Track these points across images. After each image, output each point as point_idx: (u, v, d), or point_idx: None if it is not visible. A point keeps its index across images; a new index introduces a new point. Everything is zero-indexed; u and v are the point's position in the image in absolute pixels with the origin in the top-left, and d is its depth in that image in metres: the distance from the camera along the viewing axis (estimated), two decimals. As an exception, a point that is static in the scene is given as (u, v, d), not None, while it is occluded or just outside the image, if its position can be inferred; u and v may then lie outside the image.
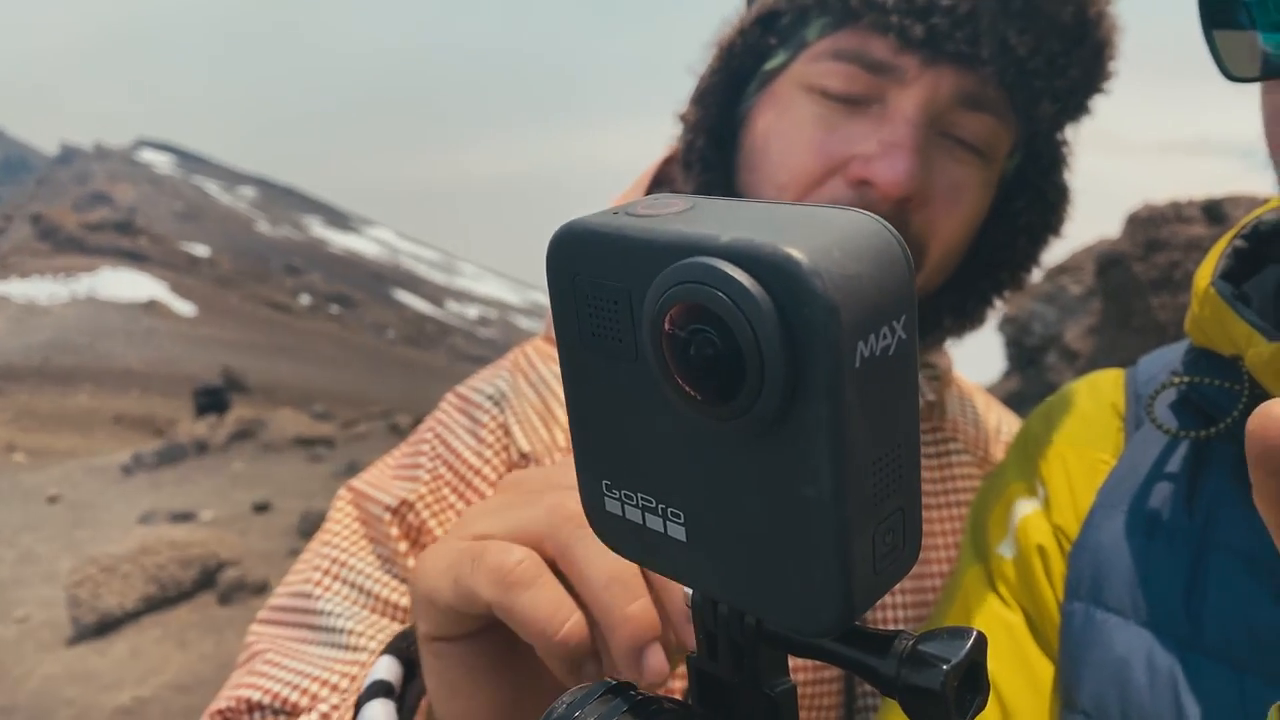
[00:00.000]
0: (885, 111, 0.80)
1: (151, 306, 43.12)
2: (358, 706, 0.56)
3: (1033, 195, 0.91)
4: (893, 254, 0.24)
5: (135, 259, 57.02)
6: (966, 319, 0.93)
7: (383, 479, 0.89)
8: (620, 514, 0.31)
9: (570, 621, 0.45)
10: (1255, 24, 0.60)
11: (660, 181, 0.97)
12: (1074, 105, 0.86)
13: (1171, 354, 0.80)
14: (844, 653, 0.28)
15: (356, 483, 0.90)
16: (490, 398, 0.91)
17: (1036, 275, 0.94)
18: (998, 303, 0.93)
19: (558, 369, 0.49)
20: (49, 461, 12.30)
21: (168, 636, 6.14)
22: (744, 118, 0.89)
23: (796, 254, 0.22)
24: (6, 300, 41.31)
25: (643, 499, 0.30)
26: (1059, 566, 0.74)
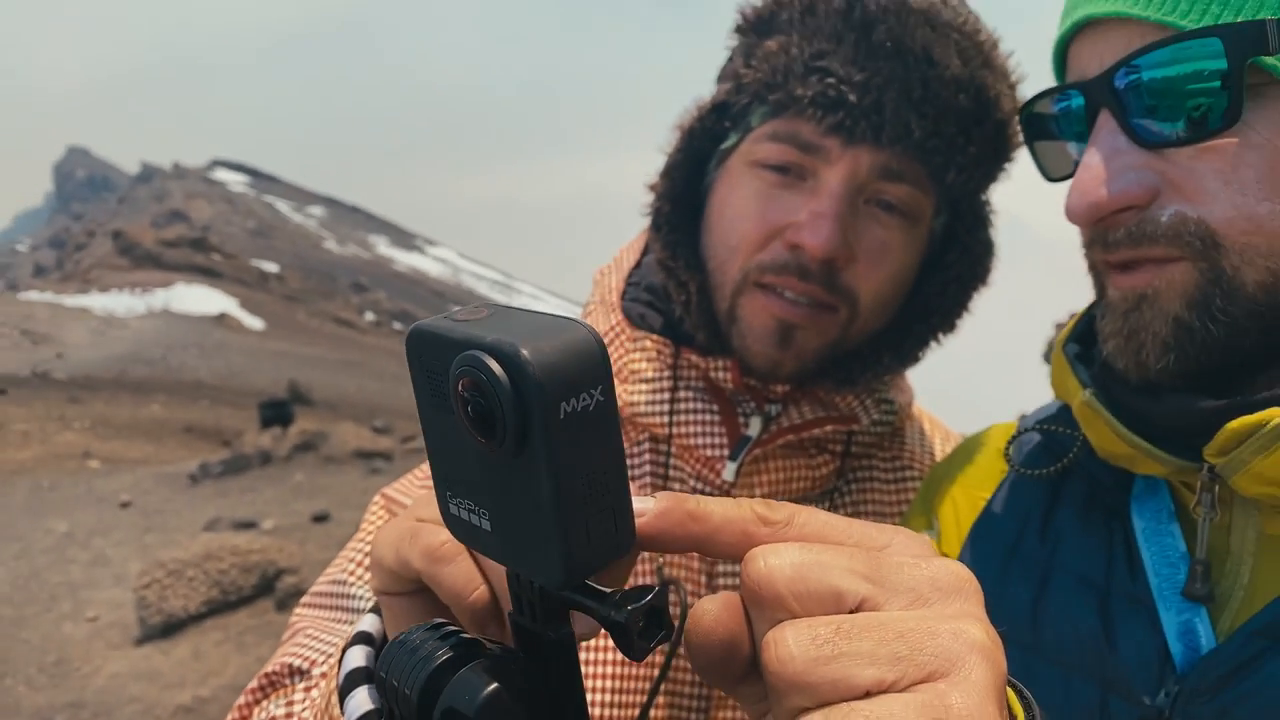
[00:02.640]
0: (816, 185, 0.94)
1: (222, 320, 44.55)
2: (344, 651, 0.70)
3: (960, 250, 1.03)
4: (591, 349, 0.38)
5: (208, 275, 58.97)
6: (904, 357, 1.04)
7: (411, 488, 1.08)
8: (458, 514, 0.45)
9: (476, 591, 0.57)
10: (1062, 134, 0.74)
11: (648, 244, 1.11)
12: (980, 175, 0.99)
13: (1053, 405, 0.92)
14: (584, 603, 0.42)
15: (389, 490, 1.09)
16: None
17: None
18: (933, 344, 1.06)
19: None
20: (122, 468, 12.83)
21: (228, 639, 6.42)
22: (708, 189, 1.05)
23: (522, 349, 0.37)
24: (88, 312, 43.05)
25: (467, 503, 0.44)
26: None
